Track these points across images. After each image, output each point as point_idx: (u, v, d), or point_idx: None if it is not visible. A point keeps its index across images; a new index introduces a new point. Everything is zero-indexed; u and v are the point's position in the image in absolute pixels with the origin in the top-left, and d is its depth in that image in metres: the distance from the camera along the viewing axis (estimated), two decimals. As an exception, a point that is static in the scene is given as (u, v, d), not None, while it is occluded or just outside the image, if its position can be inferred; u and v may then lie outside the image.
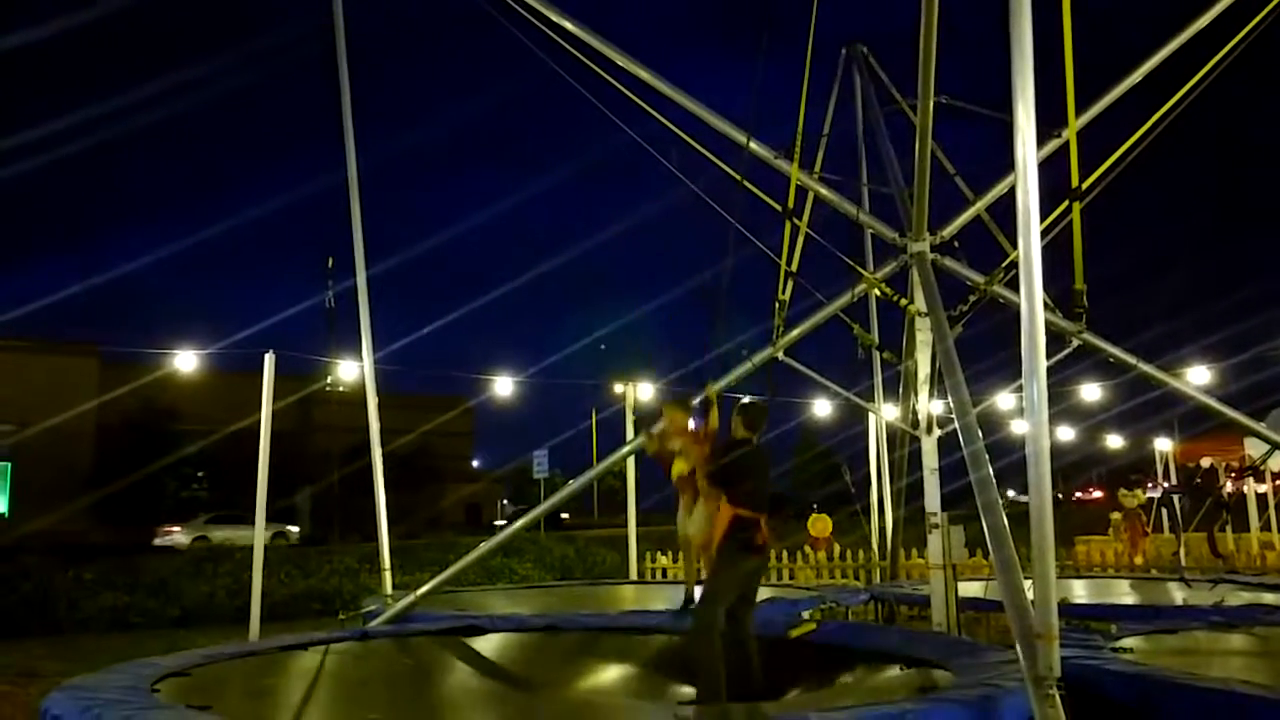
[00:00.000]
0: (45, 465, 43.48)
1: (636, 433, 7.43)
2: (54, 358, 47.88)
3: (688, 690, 5.76)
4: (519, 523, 9.68)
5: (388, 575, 10.10)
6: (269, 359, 9.20)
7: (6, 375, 46.19)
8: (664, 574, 15.24)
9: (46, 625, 13.50)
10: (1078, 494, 59.92)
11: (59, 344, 48.07)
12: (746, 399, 6.95)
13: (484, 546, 9.44)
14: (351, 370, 11.08)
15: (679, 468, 6.65)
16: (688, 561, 7.11)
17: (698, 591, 6.44)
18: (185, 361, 10.96)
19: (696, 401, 7.53)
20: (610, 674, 6.35)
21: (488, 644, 7.07)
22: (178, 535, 36.98)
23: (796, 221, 9.07)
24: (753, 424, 6.19)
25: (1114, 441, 20.02)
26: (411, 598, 8.38)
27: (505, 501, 55.91)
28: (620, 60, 8.48)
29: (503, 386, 14.06)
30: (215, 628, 13.30)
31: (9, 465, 45.54)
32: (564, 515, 52.87)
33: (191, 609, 14.53)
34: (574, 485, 9.52)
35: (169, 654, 6.35)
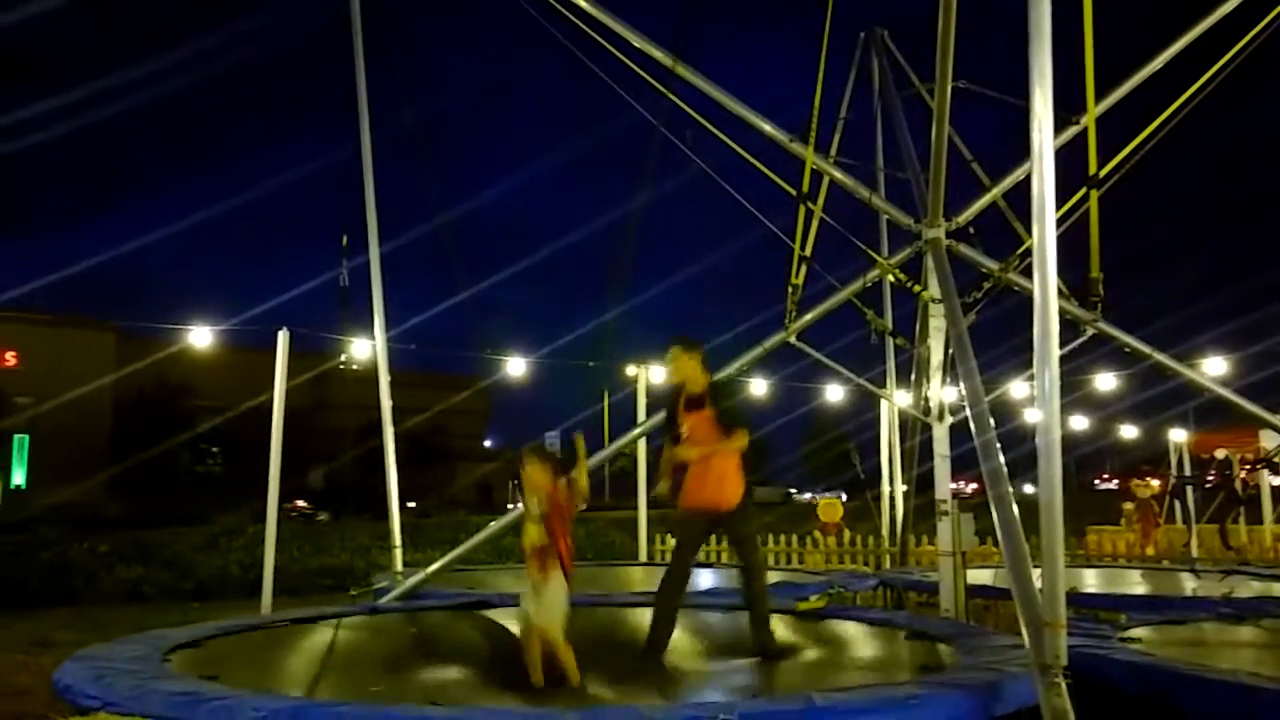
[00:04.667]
0: (62, 439, 43.91)
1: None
2: (72, 332, 48.29)
3: (700, 667, 5.79)
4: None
5: (398, 553, 10.15)
6: (283, 336, 9.22)
7: (25, 350, 46.61)
8: (663, 556, 15.25)
9: (62, 596, 13.67)
10: (1096, 481, 59.90)
11: (77, 319, 48.48)
12: (682, 341, 6.34)
13: (494, 525, 9.48)
14: (365, 348, 11.11)
15: (532, 537, 5.40)
16: (529, 646, 5.33)
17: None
18: (200, 338, 11.01)
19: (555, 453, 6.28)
20: (617, 653, 6.36)
21: (496, 621, 7.11)
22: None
23: (811, 205, 9.04)
24: (706, 363, 6.29)
25: (1128, 432, 19.94)
26: (421, 575, 8.44)
27: (516, 482, 56.23)
28: (635, 40, 8.45)
29: (515, 367, 14.08)
30: (228, 601, 13.43)
31: (26, 438, 46.00)
32: None
33: (205, 582, 14.67)
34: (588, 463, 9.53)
35: (182, 626, 6.43)
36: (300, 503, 45.24)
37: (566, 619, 5.25)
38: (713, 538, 7.97)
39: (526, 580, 5.41)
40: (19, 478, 46.27)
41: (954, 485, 7.40)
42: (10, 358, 47.46)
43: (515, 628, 6.88)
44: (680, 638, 6.26)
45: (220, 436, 47.40)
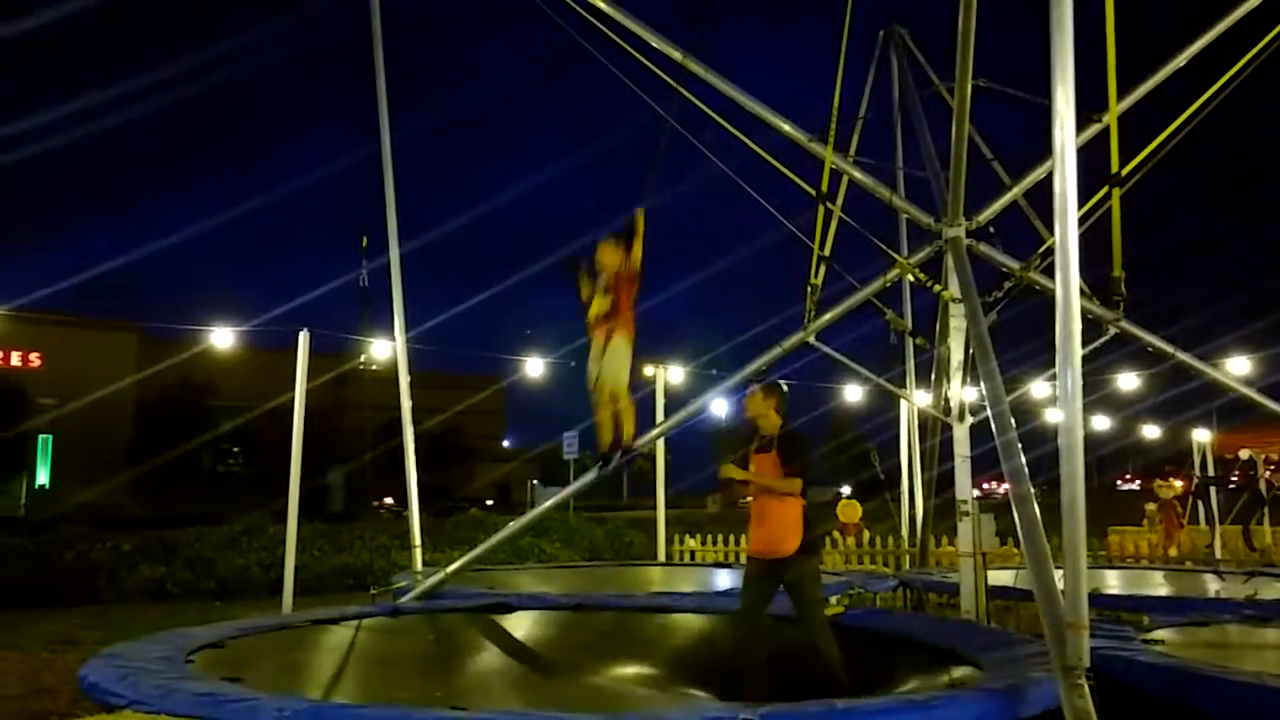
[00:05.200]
0: (85, 439, 44.31)
1: (572, 273, 6.55)
2: (95, 333, 48.73)
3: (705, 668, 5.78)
4: (548, 503, 9.75)
5: (418, 552, 10.19)
6: (303, 337, 9.28)
7: (49, 351, 47.07)
8: (691, 556, 15.26)
9: (85, 595, 13.80)
10: (1118, 482, 59.58)
11: (100, 321, 48.90)
12: (764, 383, 6.36)
13: (513, 525, 9.51)
14: (384, 349, 11.16)
15: (597, 307, 6.10)
16: (601, 408, 6.25)
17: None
18: (222, 338, 11.11)
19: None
20: (637, 654, 6.37)
21: (516, 621, 7.13)
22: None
23: (830, 205, 9.01)
24: (782, 406, 6.09)
25: (1151, 432, 19.79)
26: (441, 575, 8.46)
27: (535, 482, 56.34)
28: (654, 41, 8.44)
29: (534, 367, 14.12)
30: (249, 600, 13.52)
31: (50, 438, 46.44)
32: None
33: (226, 582, 14.76)
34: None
35: (204, 625, 6.48)
36: (389, 500, 45.79)
37: (629, 376, 6.01)
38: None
39: (592, 349, 6.14)
40: (43, 478, 46.74)
41: (987, 486, 7.35)
42: (35, 359, 47.95)
43: (537, 628, 6.92)
44: (702, 641, 6.24)
45: (242, 436, 47.73)
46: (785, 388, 6.30)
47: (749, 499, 5.93)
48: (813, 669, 5.65)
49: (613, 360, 5.94)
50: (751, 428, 6.18)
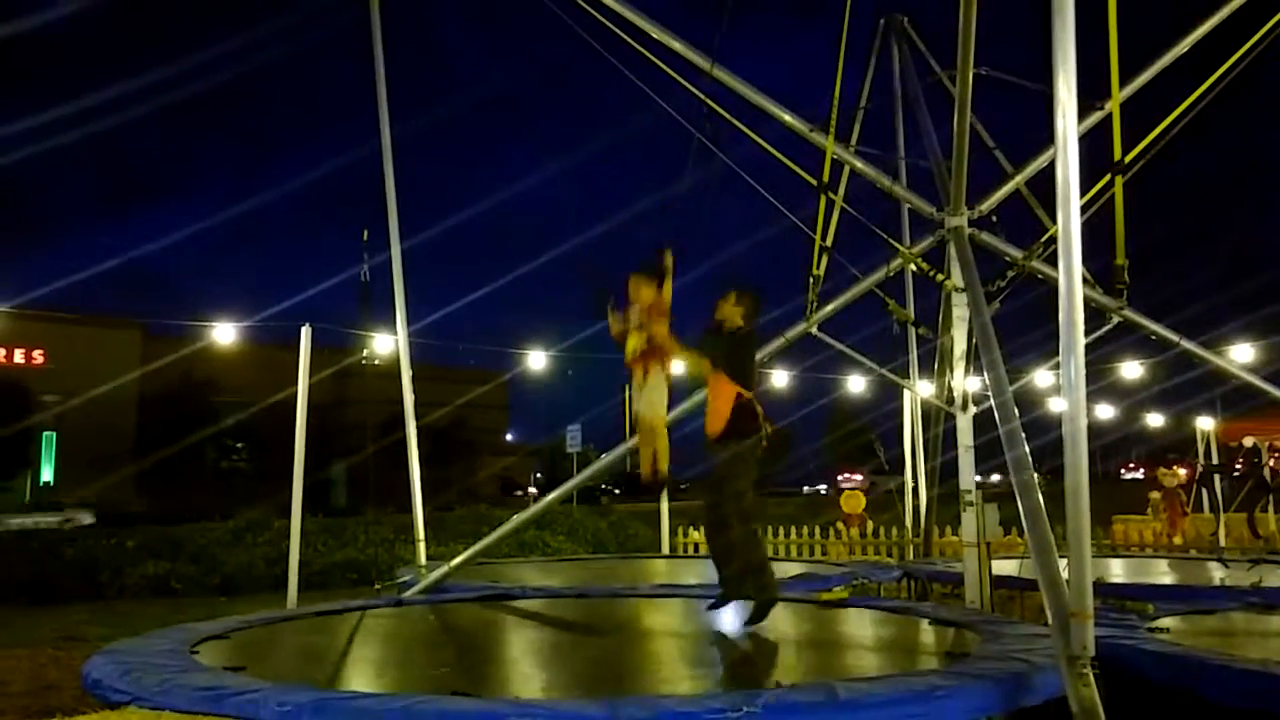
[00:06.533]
0: (89, 435, 44.34)
1: (599, 306, 6.59)
2: (98, 330, 48.70)
3: (717, 660, 5.78)
4: (551, 496, 9.75)
5: (422, 546, 10.19)
6: (305, 332, 9.27)
7: (52, 348, 47.12)
8: (695, 549, 15.26)
9: (90, 591, 13.81)
10: (1122, 470, 59.57)
11: (103, 318, 48.86)
12: (739, 288, 6.33)
13: (517, 519, 9.51)
14: (387, 343, 11.16)
15: (634, 344, 6.17)
16: (642, 443, 6.33)
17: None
18: (224, 334, 11.11)
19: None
20: (641, 644, 6.37)
21: (519, 614, 7.14)
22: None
23: (832, 195, 8.99)
24: (750, 313, 6.22)
25: (1154, 420, 19.74)
26: (445, 569, 8.48)
27: (538, 475, 56.32)
28: (655, 32, 8.41)
29: (536, 360, 14.12)
30: (254, 595, 13.53)
31: (54, 435, 46.50)
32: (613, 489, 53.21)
33: (231, 577, 14.78)
34: (606, 460, 9.55)
35: (208, 620, 6.48)
36: (533, 490, 46.69)
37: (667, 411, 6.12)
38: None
39: (634, 384, 6.20)
40: (47, 474, 46.81)
41: (995, 478, 7.35)
42: (38, 356, 48.00)
43: (541, 620, 6.92)
44: (704, 627, 6.25)
45: (245, 432, 47.71)
46: (758, 298, 6.35)
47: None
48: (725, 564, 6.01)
49: (651, 396, 6.06)
50: (716, 327, 6.29)
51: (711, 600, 6.24)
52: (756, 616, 5.93)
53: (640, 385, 6.13)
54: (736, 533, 6.02)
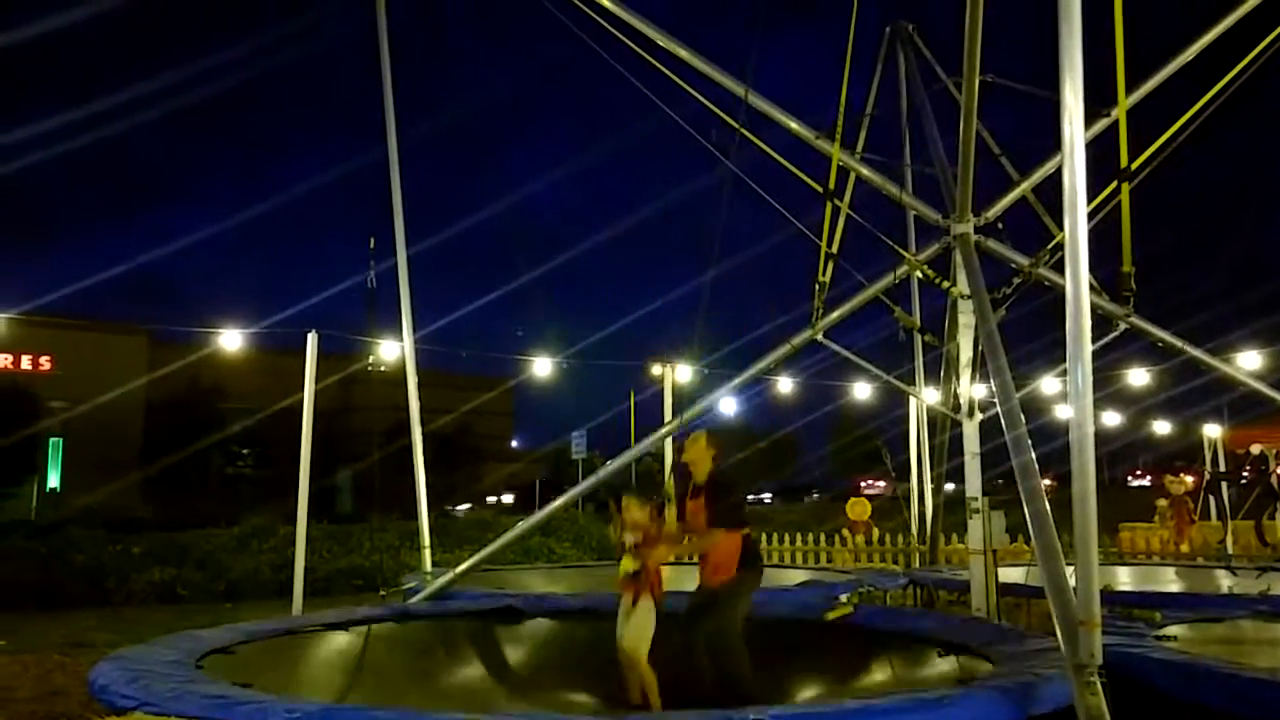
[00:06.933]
0: (95, 442, 44.42)
1: (605, 517, 6.51)
2: (104, 337, 48.84)
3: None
4: (556, 503, 9.74)
5: (427, 553, 10.20)
6: (311, 338, 9.29)
7: (59, 354, 47.26)
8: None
9: (97, 597, 13.84)
10: (1129, 478, 59.39)
11: (109, 324, 48.97)
12: (708, 430, 6.60)
13: (522, 525, 9.51)
14: (392, 349, 11.18)
15: (626, 566, 6.04)
16: (627, 672, 5.84)
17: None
18: (231, 341, 11.14)
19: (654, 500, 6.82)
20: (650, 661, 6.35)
21: (524, 622, 7.13)
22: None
23: (837, 202, 8.98)
24: (720, 454, 6.34)
25: (1161, 427, 19.69)
26: (450, 575, 8.46)
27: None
28: (661, 40, 8.43)
29: (542, 367, 14.12)
30: (259, 601, 13.54)
31: (61, 441, 46.60)
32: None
33: (237, 583, 14.80)
34: (611, 466, 9.54)
35: (214, 627, 6.48)
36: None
37: (651, 641, 5.72)
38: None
39: (620, 607, 5.95)
40: (54, 480, 46.90)
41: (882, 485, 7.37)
42: (45, 363, 48.13)
43: (545, 628, 6.91)
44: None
45: (252, 438, 47.76)
46: (720, 439, 6.47)
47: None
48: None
49: (640, 626, 5.80)
50: (685, 471, 6.39)
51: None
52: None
53: (628, 611, 5.94)
54: (736, 659, 5.86)
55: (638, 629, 5.75)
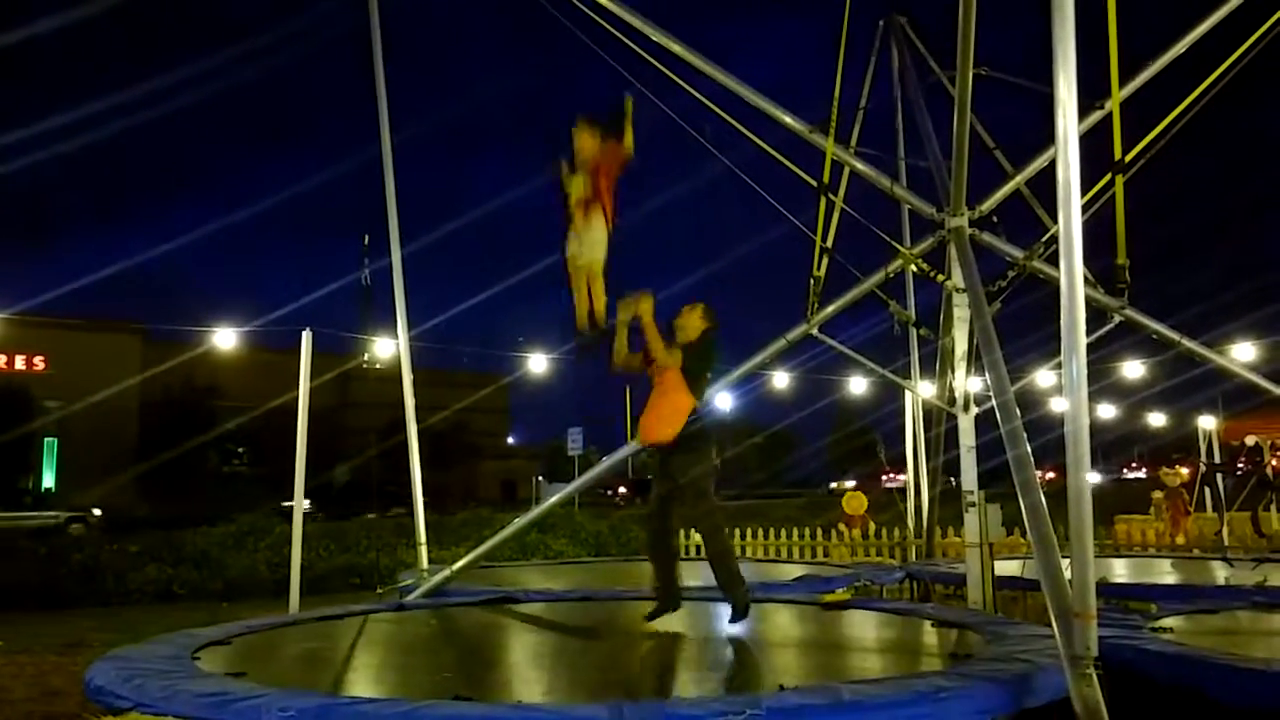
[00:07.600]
0: (90, 441, 44.36)
1: (556, 173, 6.34)
2: (99, 336, 48.76)
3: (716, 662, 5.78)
4: (553, 499, 9.74)
5: (423, 550, 10.19)
6: (306, 336, 9.27)
7: (53, 354, 47.15)
8: (697, 551, 15.23)
9: (93, 597, 13.82)
10: (1124, 470, 59.56)
11: (103, 323, 48.89)
12: (705, 304, 6.31)
13: (519, 522, 9.49)
14: (388, 347, 11.17)
15: (577, 191, 6.11)
16: (577, 289, 6.23)
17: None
18: (225, 339, 11.12)
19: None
20: (646, 646, 6.36)
21: (522, 617, 7.13)
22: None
23: (832, 197, 8.98)
24: (713, 328, 6.24)
25: (1156, 419, 19.74)
26: (447, 572, 8.47)
27: (539, 478, 56.41)
28: (654, 34, 8.41)
29: (537, 363, 14.11)
30: (256, 600, 13.52)
31: (55, 441, 46.50)
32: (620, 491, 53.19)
33: (233, 582, 14.78)
34: (607, 462, 9.53)
35: (211, 625, 6.47)
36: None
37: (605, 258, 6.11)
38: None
39: (573, 228, 6.17)
40: (49, 480, 46.80)
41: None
42: (39, 362, 48.02)
43: (543, 622, 6.92)
44: (705, 630, 6.25)
45: (246, 436, 47.77)
46: (716, 321, 6.31)
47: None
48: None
49: (590, 237, 6.07)
50: (671, 332, 6.27)
51: (651, 611, 6.29)
52: (740, 616, 6.04)
53: (579, 229, 6.11)
54: (718, 544, 6.23)
55: (592, 245, 6.06)
